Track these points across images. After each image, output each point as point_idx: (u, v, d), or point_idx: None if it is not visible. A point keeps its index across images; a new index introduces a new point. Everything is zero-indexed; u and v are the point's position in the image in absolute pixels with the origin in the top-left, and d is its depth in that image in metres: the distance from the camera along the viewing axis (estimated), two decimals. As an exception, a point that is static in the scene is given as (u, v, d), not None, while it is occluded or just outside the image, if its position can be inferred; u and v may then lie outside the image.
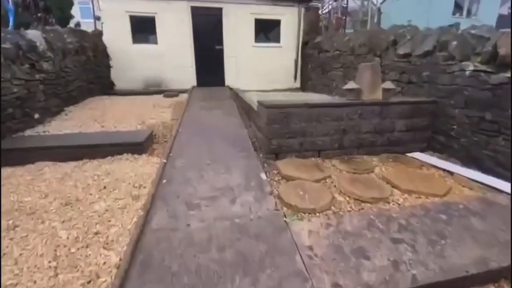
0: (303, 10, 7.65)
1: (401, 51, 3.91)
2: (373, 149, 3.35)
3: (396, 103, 3.27)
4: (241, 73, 7.83)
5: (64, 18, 9.66)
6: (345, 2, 8.46)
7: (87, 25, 9.34)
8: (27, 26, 8.60)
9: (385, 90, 3.31)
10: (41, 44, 4.06)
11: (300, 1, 7.56)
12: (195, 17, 7.17)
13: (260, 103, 3.11)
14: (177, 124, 3.86)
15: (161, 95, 6.34)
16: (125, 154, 2.88)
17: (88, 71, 5.67)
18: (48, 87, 4.05)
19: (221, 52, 7.61)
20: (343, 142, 3.26)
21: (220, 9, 7.26)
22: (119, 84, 7.18)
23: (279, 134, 3.04)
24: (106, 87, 6.73)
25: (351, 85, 3.19)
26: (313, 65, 7.32)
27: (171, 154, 2.90)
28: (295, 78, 8.26)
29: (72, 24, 10.82)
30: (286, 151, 3.11)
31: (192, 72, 7.56)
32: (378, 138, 3.35)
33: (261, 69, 7.92)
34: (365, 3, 8.36)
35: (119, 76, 7.13)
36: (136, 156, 2.88)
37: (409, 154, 3.38)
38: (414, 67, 3.72)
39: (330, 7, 8.98)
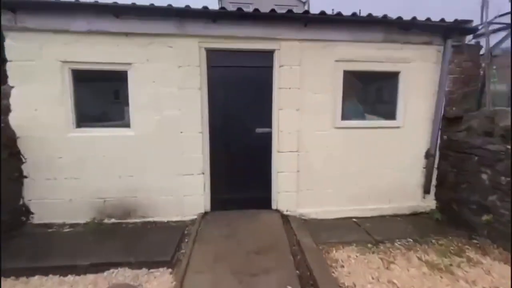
0: (450, 51, 3.48)
1: None
2: None
3: None
4: (308, 181, 3.55)
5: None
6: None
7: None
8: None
9: None
10: None
11: (446, 33, 3.45)
12: (214, 71, 3.32)
13: None
14: None
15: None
16: None
17: None
18: None
19: (266, 139, 3.51)
20: None
21: (271, 54, 3.36)
22: (42, 214, 3.24)
23: None
24: (5, 230, 2.76)
25: None
26: (497, 181, 2.81)
27: None
28: (427, 191, 3.74)
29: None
30: None
31: (201, 182, 3.45)
32: None
33: (352, 173, 3.60)
34: None
35: (44, 196, 3.23)
36: None
37: None
38: None
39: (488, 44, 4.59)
